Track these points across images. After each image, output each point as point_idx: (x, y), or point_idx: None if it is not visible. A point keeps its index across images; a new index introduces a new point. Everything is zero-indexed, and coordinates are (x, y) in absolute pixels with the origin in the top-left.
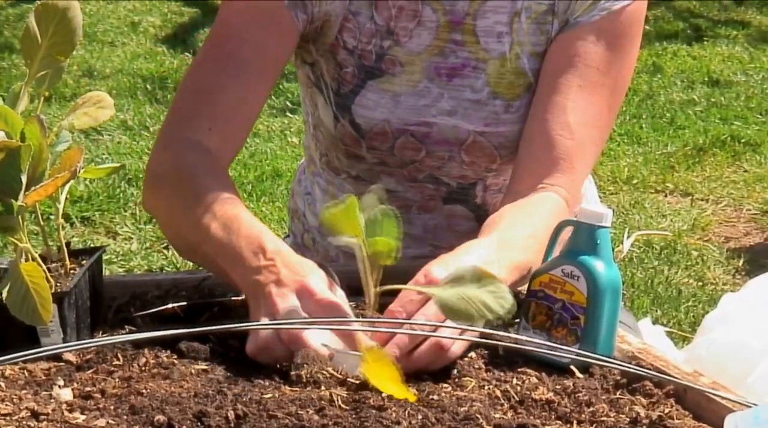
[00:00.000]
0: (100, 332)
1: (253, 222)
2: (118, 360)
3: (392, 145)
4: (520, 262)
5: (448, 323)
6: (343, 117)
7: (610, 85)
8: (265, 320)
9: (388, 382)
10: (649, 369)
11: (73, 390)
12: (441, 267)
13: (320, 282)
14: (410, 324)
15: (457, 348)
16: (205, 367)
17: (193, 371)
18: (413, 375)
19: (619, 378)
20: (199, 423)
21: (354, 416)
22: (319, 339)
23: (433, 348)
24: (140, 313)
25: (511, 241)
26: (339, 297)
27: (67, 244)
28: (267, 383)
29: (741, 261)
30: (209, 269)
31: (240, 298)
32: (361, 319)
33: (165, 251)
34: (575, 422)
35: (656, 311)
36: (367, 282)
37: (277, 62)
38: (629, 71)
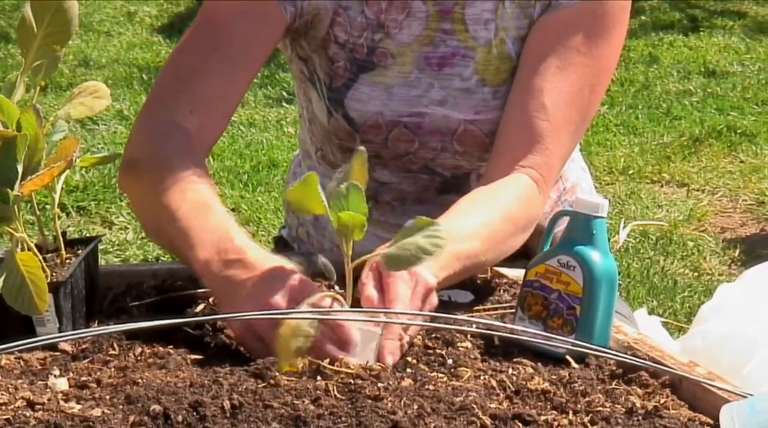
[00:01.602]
0: (96, 322)
1: (222, 213)
2: (114, 349)
3: (386, 138)
4: (460, 253)
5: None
6: (336, 111)
7: (592, 65)
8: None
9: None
10: (645, 360)
11: (68, 379)
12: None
13: (293, 267)
14: (409, 314)
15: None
16: (201, 357)
17: (188, 361)
18: (409, 364)
19: (614, 368)
20: (194, 413)
21: (350, 406)
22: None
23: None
24: (136, 303)
25: (454, 232)
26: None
27: (63, 234)
28: (263, 373)
29: (737, 252)
30: (172, 253)
31: None
32: (356, 309)
33: None
34: (571, 412)
35: (652, 301)
36: (343, 255)
37: (262, 52)
38: (614, 52)
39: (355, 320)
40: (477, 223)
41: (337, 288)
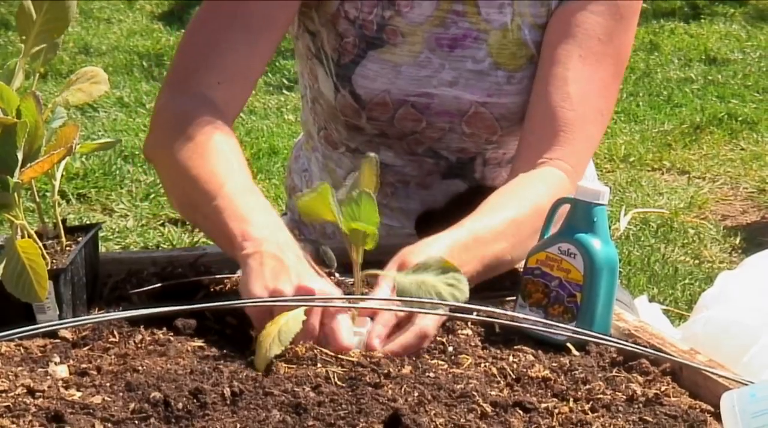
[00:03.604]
0: (96, 309)
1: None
2: (114, 337)
3: (392, 116)
4: (485, 255)
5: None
6: (343, 87)
7: (613, 54)
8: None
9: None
10: (646, 347)
11: (69, 366)
12: (414, 255)
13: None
14: (411, 301)
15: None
16: (201, 344)
17: (189, 348)
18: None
19: (615, 355)
20: (195, 400)
21: (350, 393)
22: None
23: (417, 336)
24: (136, 290)
25: (482, 233)
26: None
27: (63, 221)
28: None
29: (738, 240)
30: (202, 223)
31: (236, 276)
32: (355, 296)
33: (161, 228)
34: (571, 399)
35: (653, 289)
36: (353, 263)
37: (281, 23)
38: (631, 39)
39: (346, 307)
40: (506, 220)
41: (337, 275)
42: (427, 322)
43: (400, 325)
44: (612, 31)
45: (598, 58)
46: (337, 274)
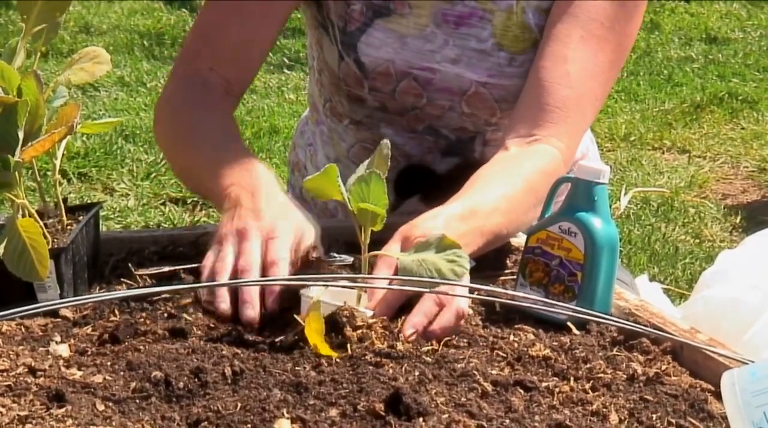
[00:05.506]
0: (97, 288)
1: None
2: (115, 316)
3: (394, 88)
4: (484, 228)
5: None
6: (348, 55)
7: (614, 40)
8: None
9: (314, 335)
10: (646, 326)
11: (69, 345)
12: (416, 228)
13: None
14: (414, 279)
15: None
16: (203, 323)
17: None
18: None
19: (616, 334)
20: (196, 380)
21: (351, 372)
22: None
23: (455, 316)
24: (140, 272)
25: (479, 207)
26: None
27: (64, 200)
28: (264, 339)
29: (738, 218)
30: (200, 192)
31: None
32: (338, 276)
33: (162, 207)
34: (572, 378)
35: (653, 268)
36: (360, 243)
37: (285, 5)
38: (634, 29)
39: (345, 286)
40: (499, 196)
41: (335, 255)
42: (461, 302)
43: (404, 305)
44: (615, 18)
45: (599, 42)
46: (335, 254)
